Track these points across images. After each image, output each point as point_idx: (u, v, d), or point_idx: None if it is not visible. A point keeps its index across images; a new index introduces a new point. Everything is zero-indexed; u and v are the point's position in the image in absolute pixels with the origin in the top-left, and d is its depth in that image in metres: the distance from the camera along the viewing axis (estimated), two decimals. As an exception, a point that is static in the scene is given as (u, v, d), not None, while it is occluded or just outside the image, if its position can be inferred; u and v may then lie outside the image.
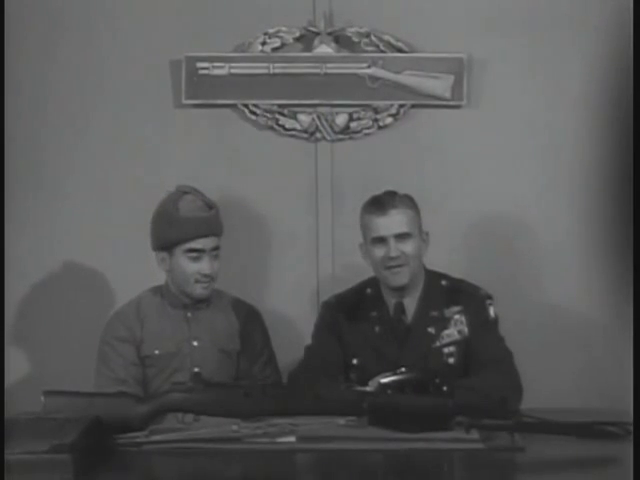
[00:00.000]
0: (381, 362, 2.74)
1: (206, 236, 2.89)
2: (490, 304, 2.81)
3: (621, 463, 2.18)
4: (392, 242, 2.77)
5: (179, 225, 2.88)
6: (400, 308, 2.82)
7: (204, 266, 2.90)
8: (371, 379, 2.54)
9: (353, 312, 2.88)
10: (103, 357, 2.95)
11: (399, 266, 2.77)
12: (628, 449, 2.13)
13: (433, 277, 2.86)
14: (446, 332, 2.77)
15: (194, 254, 2.89)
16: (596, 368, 3.39)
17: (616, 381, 3.20)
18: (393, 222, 2.77)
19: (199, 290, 2.93)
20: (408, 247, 2.77)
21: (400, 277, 2.79)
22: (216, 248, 2.93)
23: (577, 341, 3.42)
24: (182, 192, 2.94)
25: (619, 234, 3.35)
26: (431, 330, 2.77)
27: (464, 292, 2.82)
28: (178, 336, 2.97)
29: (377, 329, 2.83)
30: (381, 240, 2.78)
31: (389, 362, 2.71)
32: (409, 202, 2.81)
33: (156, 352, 2.95)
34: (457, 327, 2.77)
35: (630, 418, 2.25)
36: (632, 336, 2.53)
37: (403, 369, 2.59)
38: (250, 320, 3.08)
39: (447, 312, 2.79)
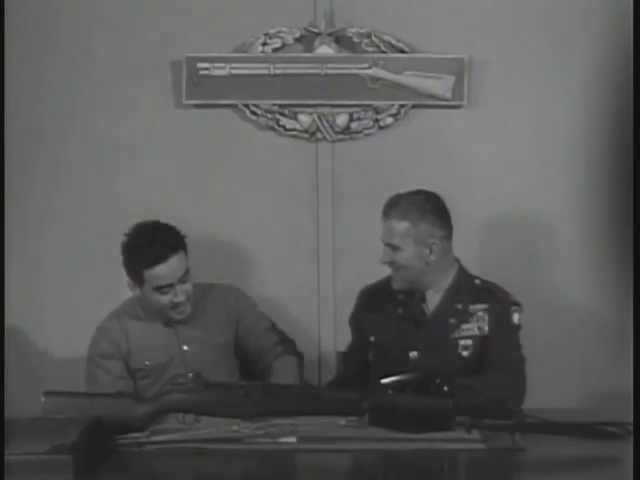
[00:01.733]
0: (398, 342, 2.81)
1: (167, 258, 2.83)
2: (515, 311, 2.82)
3: (621, 463, 2.18)
4: (384, 248, 2.82)
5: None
6: (422, 297, 2.84)
7: (176, 294, 2.86)
8: (387, 358, 2.64)
9: (382, 294, 2.91)
10: (90, 375, 2.92)
11: (395, 270, 2.82)
12: (628, 449, 2.13)
13: (467, 275, 2.88)
14: (466, 325, 2.78)
15: (165, 289, 2.84)
16: (596, 368, 3.39)
17: (616, 381, 3.20)
18: (386, 231, 2.81)
19: (176, 316, 2.91)
20: (397, 257, 2.80)
21: (394, 281, 2.85)
22: (184, 275, 2.86)
23: (577, 341, 3.42)
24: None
25: (620, 233, 3.36)
26: (452, 321, 2.79)
27: (493, 293, 2.83)
28: (167, 344, 2.94)
29: (400, 311, 2.86)
30: (384, 243, 2.83)
31: (405, 344, 2.79)
32: (414, 212, 2.78)
33: (147, 363, 2.92)
34: (478, 323, 2.79)
35: (630, 418, 2.24)
36: (632, 336, 2.53)
37: (416, 353, 2.72)
38: (239, 301, 3.07)
39: (472, 307, 2.80)
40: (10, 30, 3.38)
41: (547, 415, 2.29)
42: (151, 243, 2.83)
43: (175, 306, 2.88)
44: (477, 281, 2.87)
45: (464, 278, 2.86)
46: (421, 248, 2.78)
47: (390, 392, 2.36)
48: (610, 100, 3.40)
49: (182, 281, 2.86)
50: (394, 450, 2.25)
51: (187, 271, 2.87)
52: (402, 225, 2.78)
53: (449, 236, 2.84)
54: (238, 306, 3.06)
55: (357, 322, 2.98)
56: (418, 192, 2.84)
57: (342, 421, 2.33)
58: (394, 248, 2.79)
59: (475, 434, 2.28)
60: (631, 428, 2.23)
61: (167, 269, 2.83)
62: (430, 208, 2.80)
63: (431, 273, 2.81)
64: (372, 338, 2.90)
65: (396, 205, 2.80)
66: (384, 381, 2.40)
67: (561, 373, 3.37)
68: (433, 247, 2.79)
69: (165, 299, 2.86)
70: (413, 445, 2.25)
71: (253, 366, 3.04)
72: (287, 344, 3.05)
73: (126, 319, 2.96)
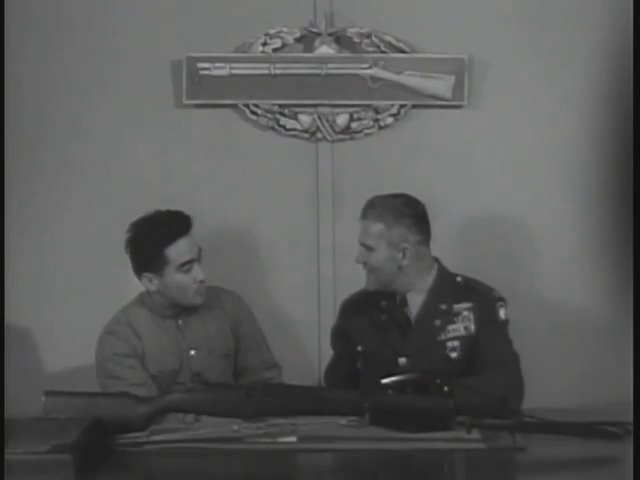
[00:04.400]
0: (385, 350, 2.82)
1: (186, 232, 2.88)
2: (501, 306, 2.83)
3: (621, 463, 2.18)
4: (360, 248, 2.83)
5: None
6: (403, 301, 2.83)
7: (198, 272, 2.88)
8: (376, 366, 2.65)
9: (365, 303, 2.92)
10: (109, 373, 2.88)
11: (368, 272, 2.84)
12: (628, 449, 2.13)
13: (448, 274, 2.88)
14: (452, 326, 2.79)
15: (187, 266, 2.87)
16: (596, 368, 3.39)
17: (616, 381, 3.20)
18: (362, 231, 2.83)
19: (198, 299, 2.92)
20: (371, 258, 2.81)
21: (369, 282, 2.87)
22: (200, 250, 2.91)
23: (577, 341, 3.42)
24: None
25: (619, 233, 3.35)
26: (437, 323, 2.79)
27: (477, 291, 2.83)
28: (175, 348, 2.94)
29: (384, 317, 2.86)
30: (359, 243, 2.84)
31: (393, 350, 2.80)
32: (390, 215, 2.79)
33: (160, 371, 2.91)
34: (464, 323, 2.79)
35: (630, 418, 2.25)
36: (632, 336, 2.53)
37: (404, 359, 2.74)
38: (238, 308, 3.08)
39: (456, 307, 2.80)
40: (10, 30, 3.38)
41: (547, 415, 2.29)
42: (166, 222, 2.89)
43: (198, 287, 2.88)
44: (459, 279, 2.87)
45: (445, 277, 2.86)
46: (394, 252, 2.79)
47: (390, 392, 2.36)
48: (610, 100, 3.40)
49: (198, 259, 2.90)
50: (394, 450, 2.25)
51: (200, 249, 2.92)
52: (376, 227, 2.79)
53: (425, 242, 2.84)
54: (236, 313, 3.07)
55: (342, 333, 2.99)
56: (398, 195, 2.85)
57: (342, 421, 2.33)
58: (368, 249, 2.81)
59: (475, 434, 2.28)
60: (631, 428, 2.23)
61: (188, 242, 2.88)
62: (407, 212, 2.81)
63: (406, 277, 2.82)
64: (359, 348, 2.90)
65: (373, 207, 2.82)
66: (384, 381, 2.40)
67: (561, 373, 3.36)
68: (406, 252, 2.79)
69: (188, 279, 2.87)
70: (413, 445, 2.25)
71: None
72: (273, 371, 3.06)
73: (135, 322, 2.95)
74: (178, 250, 2.86)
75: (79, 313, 3.45)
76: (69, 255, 3.48)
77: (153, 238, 2.87)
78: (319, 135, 3.45)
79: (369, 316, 2.88)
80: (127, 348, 2.90)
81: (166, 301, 2.93)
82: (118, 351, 2.90)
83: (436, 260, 2.89)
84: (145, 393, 2.74)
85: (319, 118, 3.44)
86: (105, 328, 2.96)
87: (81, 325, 3.41)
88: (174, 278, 2.88)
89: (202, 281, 2.89)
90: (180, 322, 2.97)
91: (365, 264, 2.83)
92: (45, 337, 3.49)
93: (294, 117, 3.44)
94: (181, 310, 2.95)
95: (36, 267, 3.48)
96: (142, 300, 2.99)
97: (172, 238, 2.86)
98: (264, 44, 3.43)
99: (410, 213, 2.81)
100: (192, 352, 2.95)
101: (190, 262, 2.87)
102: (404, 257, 2.79)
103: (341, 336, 2.99)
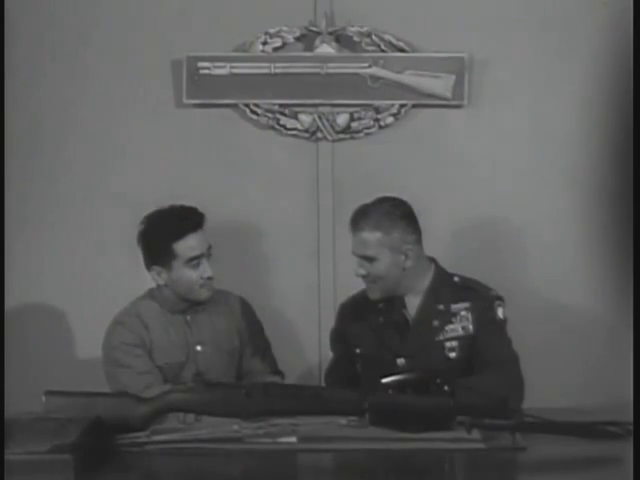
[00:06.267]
0: (384, 351, 2.81)
1: (196, 229, 2.89)
2: (499, 305, 2.82)
3: (621, 463, 2.18)
4: (358, 261, 2.81)
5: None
6: (401, 302, 2.83)
7: (205, 269, 2.90)
8: (375, 368, 2.63)
9: (362, 305, 2.91)
10: (116, 361, 2.90)
11: (371, 282, 2.82)
12: (628, 449, 2.13)
13: (445, 274, 2.87)
14: (450, 327, 2.78)
15: (195, 261, 2.88)
16: (596, 368, 3.39)
17: (617, 381, 3.20)
18: (359, 244, 2.79)
19: (204, 294, 2.93)
20: (374, 268, 2.79)
21: (372, 292, 2.85)
22: (210, 247, 2.93)
23: (577, 341, 3.42)
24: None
25: (620, 233, 3.36)
26: (435, 323, 2.79)
27: (474, 290, 2.83)
28: (183, 342, 2.96)
29: (381, 319, 2.86)
30: (357, 255, 2.82)
31: (391, 351, 2.79)
32: (385, 220, 2.77)
33: (166, 362, 2.93)
34: (462, 323, 2.78)
35: (630, 418, 2.25)
36: (632, 336, 2.53)
37: (403, 360, 2.73)
38: (245, 312, 3.09)
39: (454, 307, 2.80)
40: (10, 30, 3.38)
41: (547, 415, 2.29)
42: (177, 217, 2.90)
43: (205, 283, 2.90)
44: (456, 279, 2.86)
45: (442, 277, 2.86)
46: (397, 256, 2.78)
47: (390, 392, 2.36)
48: (610, 100, 3.40)
49: (208, 255, 2.92)
50: (394, 450, 2.25)
51: (210, 246, 2.93)
52: (375, 235, 2.76)
53: (420, 240, 2.84)
54: (243, 317, 3.07)
55: (341, 335, 2.98)
56: (384, 200, 2.82)
57: (342, 421, 2.33)
58: (370, 260, 2.78)
59: (475, 434, 2.28)
60: (631, 428, 2.23)
61: (198, 238, 2.89)
62: (399, 214, 2.79)
63: (407, 279, 2.81)
64: (358, 350, 2.89)
65: (365, 216, 2.78)
66: (385, 380, 2.40)
67: (561, 372, 3.37)
68: (409, 253, 2.78)
69: (195, 275, 2.89)
70: (413, 445, 2.25)
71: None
72: (276, 377, 3.05)
73: (144, 314, 2.97)
74: (187, 245, 2.88)
75: (80, 313, 3.46)
76: (70, 257, 3.48)
77: (163, 232, 2.89)
78: (319, 135, 3.45)
79: (367, 318, 2.88)
80: (134, 338, 2.92)
81: (174, 295, 2.95)
82: (125, 340, 2.92)
83: (432, 260, 2.88)
84: (151, 382, 2.82)
85: (319, 118, 3.44)
86: (114, 319, 2.98)
87: (82, 325, 3.42)
88: (181, 273, 2.89)
89: (209, 278, 2.91)
90: (188, 317, 2.98)
91: (366, 276, 2.82)
92: (46, 337, 3.50)
93: (294, 117, 3.44)
94: (189, 305, 2.97)
95: (37, 268, 3.48)
96: (152, 294, 3.01)
97: (182, 233, 2.88)
98: (264, 43, 3.43)
99: (402, 214, 2.80)
100: (198, 347, 2.97)
101: (198, 257, 2.89)
102: (407, 258, 2.78)
103: (340, 339, 2.99)
